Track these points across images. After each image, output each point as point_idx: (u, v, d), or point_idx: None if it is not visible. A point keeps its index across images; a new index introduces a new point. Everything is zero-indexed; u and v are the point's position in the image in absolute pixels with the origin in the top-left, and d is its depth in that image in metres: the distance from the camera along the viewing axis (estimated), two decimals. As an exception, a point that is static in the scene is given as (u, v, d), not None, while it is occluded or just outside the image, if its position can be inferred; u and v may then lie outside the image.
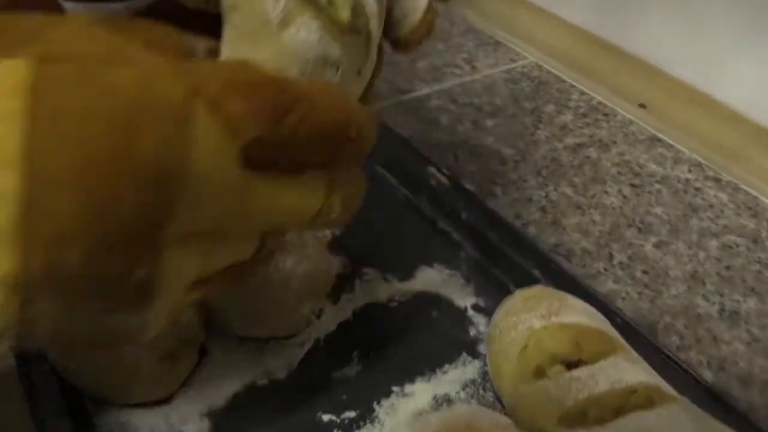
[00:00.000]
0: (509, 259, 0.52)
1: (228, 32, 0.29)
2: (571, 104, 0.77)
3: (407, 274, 0.52)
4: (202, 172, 0.18)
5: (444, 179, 0.58)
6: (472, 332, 0.48)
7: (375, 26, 0.33)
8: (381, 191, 0.61)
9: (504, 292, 0.51)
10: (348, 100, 0.25)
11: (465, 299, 0.50)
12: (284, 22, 0.28)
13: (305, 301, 0.45)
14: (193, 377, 0.42)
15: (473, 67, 0.84)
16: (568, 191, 0.63)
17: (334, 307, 0.49)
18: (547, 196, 0.62)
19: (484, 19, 0.95)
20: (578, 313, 0.42)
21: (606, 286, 0.54)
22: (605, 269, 0.55)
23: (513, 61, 0.86)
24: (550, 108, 0.76)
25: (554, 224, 0.59)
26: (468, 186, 0.62)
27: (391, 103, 0.75)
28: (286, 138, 0.21)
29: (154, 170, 0.16)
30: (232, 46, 0.29)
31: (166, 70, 0.18)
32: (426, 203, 0.58)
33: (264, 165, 0.21)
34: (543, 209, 0.61)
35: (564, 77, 0.82)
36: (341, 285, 0.50)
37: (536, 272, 0.51)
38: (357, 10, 0.31)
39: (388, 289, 0.50)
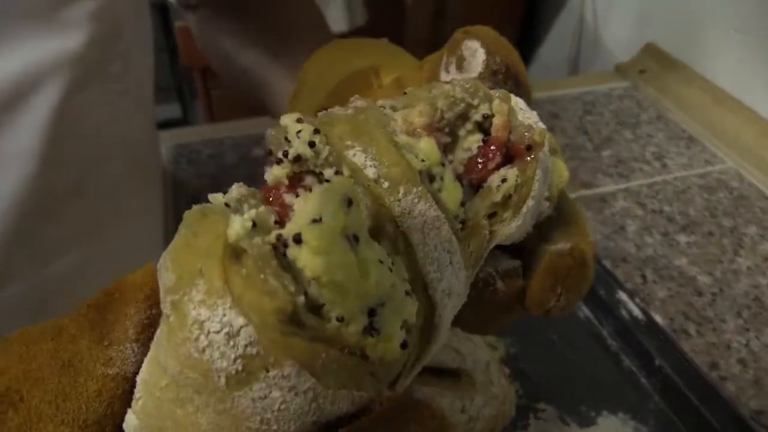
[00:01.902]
0: (706, 424, 0.47)
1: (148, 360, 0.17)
2: (777, 228, 0.69)
3: (588, 419, 0.47)
4: None
5: (636, 311, 0.53)
6: None
7: (448, 314, 0.21)
8: (560, 306, 0.56)
9: (700, 467, 0.45)
10: None
11: (653, 465, 0.45)
12: (242, 378, 0.15)
13: (485, 444, 0.41)
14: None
15: (663, 165, 0.78)
16: (773, 343, 0.56)
17: (506, 445, 0.45)
18: (748, 345, 0.55)
19: (678, 108, 0.88)
20: None
21: (818, 478, 0.47)
22: (817, 455, 0.48)
23: (709, 163, 0.79)
24: (752, 230, 0.68)
25: (756, 384, 0.52)
26: (657, 317, 0.57)
27: (573, 198, 0.71)
28: None
29: None
30: (147, 380, 0.16)
31: None
32: (612, 333, 0.54)
33: None
34: (743, 362, 0.54)
35: (769, 193, 0.74)
36: (514, 417, 0.46)
37: (738, 448, 0.45)
38: (426, 332, 0.19)
39: (566, 435, 0.46)
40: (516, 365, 0.50)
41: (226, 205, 0.17)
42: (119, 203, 0.43)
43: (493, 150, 0.24)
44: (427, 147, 0.21)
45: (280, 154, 0.18)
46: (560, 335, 0.54)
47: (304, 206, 0.16)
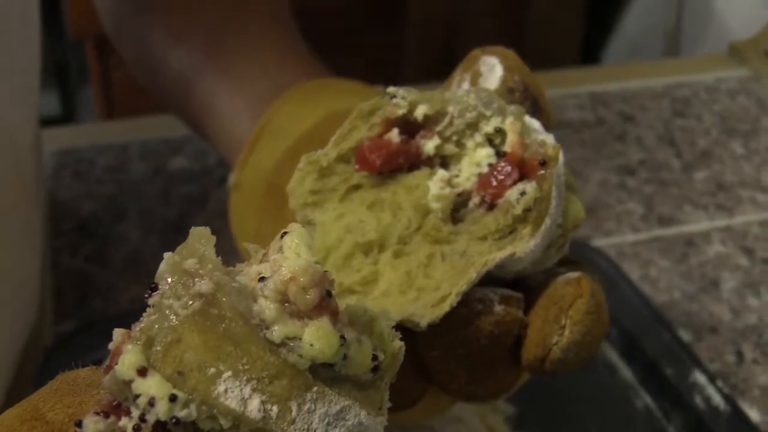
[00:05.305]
0: None
1: None
2: None
3: None
4: None
5: (717, 399, 0.60)
6: None
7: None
8: (608, 388, 0.64)
9: None
10: None
11: None
12: None
13: None
14: None
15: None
16: None
17: None
18: None
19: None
20: None
21: None
22: None
23: None
24: None
25: None
26: (752, 411, 0.64)
27: (644, 239, 0.79)
28: None
29: None
30: None
31: None
32: (681, 430, 0.61)
33: None
34: None
35: None
36: None
37: None
38: None
39: None
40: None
41: None
42: None
43: (508, 167, 0.35)
44: (316, 338, 0.26)
45: (135, 418, 0.25)
46: (602, 428, 0.61)
47: None
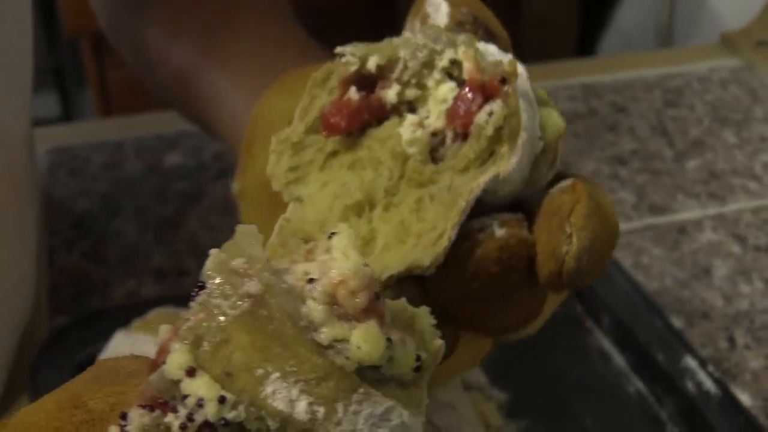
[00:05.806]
0: None
1: None
2: None
3: None
4: None
5: (708, 384, 0.60)
6: None
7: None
8: (601, 375, 0.64)
9: None
10: None
11: None
12: None
13: None
14: None
15: (778, 182, 0.86)
16: None
17: None
18: None
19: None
20: None
21: None
22: None
23: None
24: None
25: None
26: (744, 395, 0.65)
27: (637, 228, 0.79)
28: None
29: None
30: None
31: None
32: (674, 414, 0.61)
33: None
34: None
35: None
36: None
37: None
38: None
39: None
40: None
41: None
42: None
43: (470, 93, 0.36)
44: (364, 340, 0.27)
45: (183, 416, 0.25)
46: (601, 419, 0.61)
47: None
